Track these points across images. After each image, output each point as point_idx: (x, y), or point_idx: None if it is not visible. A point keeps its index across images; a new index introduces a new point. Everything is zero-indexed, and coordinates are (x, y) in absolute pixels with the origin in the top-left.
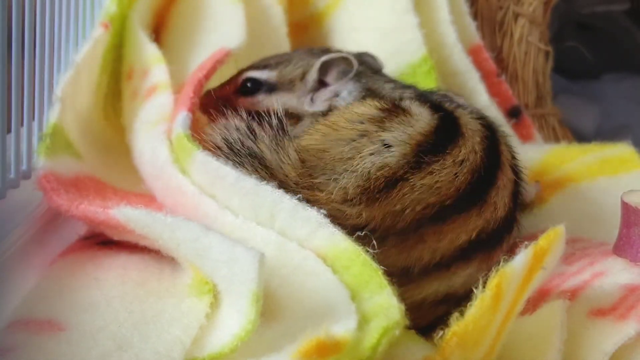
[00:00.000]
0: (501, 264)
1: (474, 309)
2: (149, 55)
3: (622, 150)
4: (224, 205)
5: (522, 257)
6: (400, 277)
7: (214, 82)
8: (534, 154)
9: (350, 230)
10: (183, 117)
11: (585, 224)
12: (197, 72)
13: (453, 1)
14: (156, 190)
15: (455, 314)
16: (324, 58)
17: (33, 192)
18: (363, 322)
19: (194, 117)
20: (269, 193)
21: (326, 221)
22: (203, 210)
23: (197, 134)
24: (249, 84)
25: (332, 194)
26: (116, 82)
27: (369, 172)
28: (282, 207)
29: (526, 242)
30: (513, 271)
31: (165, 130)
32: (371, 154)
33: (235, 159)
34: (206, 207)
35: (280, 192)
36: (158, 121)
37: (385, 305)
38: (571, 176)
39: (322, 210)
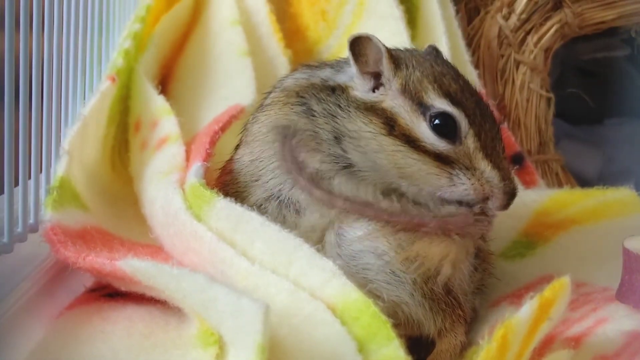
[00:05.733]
0: (507, 315)
1: None
2: (158, 107)
3: (623, 194)
4: (242, 251)
5: (528, 309)
6: None
7: (227, 136)
8: (537, 198)
9: None
10: (197, 167)
11: (588, 268)
12: (213, 124)
13: (454, 50)
14: (165, 238)
15: None
16: None
17: (40, 245)
18: None
19: (208, 167)
20: (291, 240)
21: (340, 272)
22: (219, 256)
23: (210, 183)
24: None
25: None
26: (123, 133)
27: None
28: (300, 255)
29: (531, 293)
30: (519, 322)
31: (177, 179)
32: None
33: None
34: (222, 253)
35: (301, 240)
36: (170, 171)
37: (393, 356)
38: (574, 219)
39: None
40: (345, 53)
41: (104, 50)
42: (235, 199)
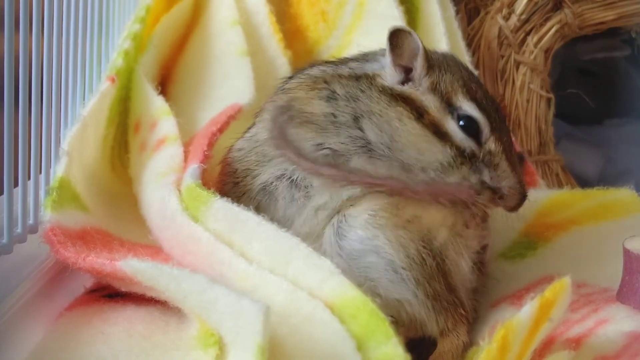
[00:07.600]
0: (507, 315)
1: None
2: (157, 108)
3: (624, 194)
4: (240, 251)
5: (528, 309)
6: None
7: (226, 137)
8: (537, 198)
9: None
10: (193, 169)
11: (588, 268)
12: (211, 126)
13: (454, 50)
14: (164, 240)
15: None
16: None
17: (40, 246)
18: None
19: (206, 169)
20: (288, 239)
21: (337, 270)
22: (217, 257)
23: (208, 184)
24: None
25: None
26: (122, 134)
27: None
28: (297, 254)
29: (532, 294)
30: (519, 323)
31: (174, 180)
32: None
33: None
34: (220, 254)
35: (298, 239)
36: (167, 172)
37: (391, 354)
38: (575, 220)
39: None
40: (346, 53)
41: (103, 51)
42: (245, 177)
